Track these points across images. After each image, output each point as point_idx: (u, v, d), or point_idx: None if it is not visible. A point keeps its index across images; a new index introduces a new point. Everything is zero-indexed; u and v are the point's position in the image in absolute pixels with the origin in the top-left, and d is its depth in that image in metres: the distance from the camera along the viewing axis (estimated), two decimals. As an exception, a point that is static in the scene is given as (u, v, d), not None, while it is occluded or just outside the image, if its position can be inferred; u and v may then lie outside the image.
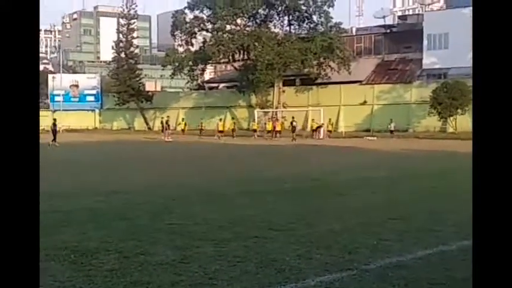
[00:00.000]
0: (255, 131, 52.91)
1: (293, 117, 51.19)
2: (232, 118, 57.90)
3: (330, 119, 52.72)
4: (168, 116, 55.17)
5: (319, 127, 51.51)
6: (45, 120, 73.32)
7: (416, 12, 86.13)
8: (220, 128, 52.49)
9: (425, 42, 60.16)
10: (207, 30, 62.03)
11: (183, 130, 57.24)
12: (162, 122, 53.56)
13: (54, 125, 41.05)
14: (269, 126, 52.33)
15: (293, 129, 48.70)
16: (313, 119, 53.42)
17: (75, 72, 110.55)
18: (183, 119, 63.46)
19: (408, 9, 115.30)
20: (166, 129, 49.12)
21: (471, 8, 4.08)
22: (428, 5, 78.74)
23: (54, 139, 37.38)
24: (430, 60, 59.03)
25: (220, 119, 55.38)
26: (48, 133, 36.94)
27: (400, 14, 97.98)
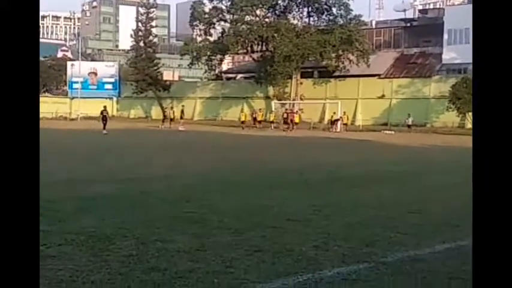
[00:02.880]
0: (272, 122, 52.93)
1: (301, 109, 51.36)
2: (260, 109, 57.79)
3: (344, 112, 52.48)
4: (183, 105, 55.39)
5: (336, 120, 51.37)
6: (63, 107, 74.70)
7: (438, 6, 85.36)
8: (243, 119, 52.91)
9: (445, 36, 59.63)
10: (225, 21, 61.99)
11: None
12: (164, 113, 53.85)
13: (105, 111, 38.99)
14: (295, 118, 52.30)
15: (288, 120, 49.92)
16: (334, 112, 53.29)
17: (93, 60, 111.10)
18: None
19: (429, 3, 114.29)
20: (181, 119, 49.51)
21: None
22: (450, -1, 78.00)
23: (104, 126, 36.32)
24: (450, 55, 58.51)
25: (242, 110, 55.63)
26: (66, 120, 36.95)
27: (420, 7, 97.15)
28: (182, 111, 51.71)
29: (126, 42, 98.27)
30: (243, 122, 52.19)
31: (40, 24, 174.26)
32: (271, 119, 54.05)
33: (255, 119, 55.21)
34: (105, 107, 41.11)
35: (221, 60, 66.27)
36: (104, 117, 37.60)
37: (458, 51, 56.61)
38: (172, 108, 53.99)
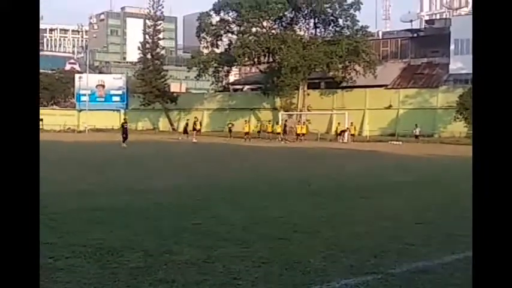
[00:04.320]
0: (279, 133, 53.00)
1: (308, 120, 51.51)
2: (269, 121, 57.77)
3: (351, 123, 52.48)
4: (196, 117, 55.42)
5: (343, 131, 51.37)
6: (71, 119, 75.00)
7: (444, 16, 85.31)
8: (246, 130, 52.85)
9: (452, 46, 59.62)
10: (232, 33, 62.21)
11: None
12: (187, 123, 53.78)
13: (126, 123, 37.62)
14: (298, 129, 52.23)
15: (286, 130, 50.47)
16: (339, 123, 53.25)
17: (101, 72, 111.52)
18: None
19: (436, 14, 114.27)
20: (194, 130, 49.51)
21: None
22: (456, 9, 78.14)
23: (124, 140, 34.78)
24: (457, 65, 58.45)
25: (246, 121, 55.58)
26: (74, 132, 36.63)
27: (427, 18, 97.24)
28: (195, 123, 51.72)
29: (133, 54, 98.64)
30: (247, 134, 52.06)
31: (48, 37, 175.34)
32: (278, 130, 54.12)
33: (259, 131, 55.44)
34: (125, 119, 40.11)
35: (228, 71, 66.46)
36: (125, 130, 36.12)
37: (465, 62, 56.45)
38: (197, 119, 54.22)
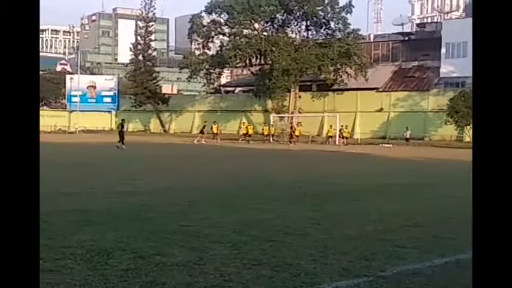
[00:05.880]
0: (272, 135, 53.02)
1: (299, 123, 51.59)
2: (273, 124, 57.62)
3: (346, 126, 52.62)
4: (205, 121, 54.61)
5: (333, 136, 51.44)
6: (61, 120, 74.76)
7: (435, 20, 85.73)
8: (244, 131, 53.19)
9: (443, 50, 59.93)
10: (224, 34, 62.28)
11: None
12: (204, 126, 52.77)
13: (122, 126, 36.84)
14: (296, 132, 52.02)
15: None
16: (330, 125, 53.34)
17: (92, 73, 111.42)
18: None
19: (427, 17, 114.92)
20: (202, 133, 49.22)
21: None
22: (447, 13, 78.64)
23: (122, 141, 34.20)
24: (448, 68, 58.77)
25: (244, 123, 55.50)
26: (65, 133, 36.46)
27: (418, 21, 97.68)
28: (204, 126, 51.24)
29: (125, 55, 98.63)
30: (244, 135, 52.32)
31: (39, 37, 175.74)
32: (271, 132, 54.11)
33: (245, 134, 53.86)
34: (123, 120, 39.82)
35: (220, 73, 66.50)
36: (121, 132, 35.56)
37: (456, 65, 56.85)
38: (215, 123, 53.87)
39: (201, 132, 49.84)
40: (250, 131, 53.37)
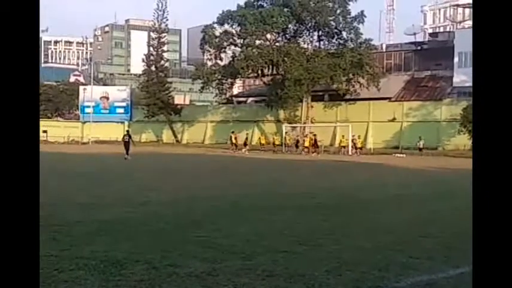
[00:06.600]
0: (285, 145, 53.13)
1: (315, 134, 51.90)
2: (286, 132, 58.00)
3: (359, 136, 52.68)
4: (232, 132, 55.23)
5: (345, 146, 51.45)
6: (75, 131, 75.18)
7: (448, 29, 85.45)
8: (263, 141, 55.64)
9: (456, 59, 59.70)
10: (236, 45, 62.40)
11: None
12: (231, 137, 53.95)
13: (128, 136, 36.02)
14: (307, 142, 52.13)
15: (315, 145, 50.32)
16: (343, 135, 53.30)
17: (105, 84, 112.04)
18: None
19: (439, 27, 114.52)
20: (233, 144, 51.01)
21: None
22: (460, 22, 78.24)
23: (127, 152, 33.67)
24: (460, 78, 58.49)
25: (262, 133, 56.47)
26: (78, 144, 36.57)
27: (431, 31, 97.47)
28: (246, 139, 53.05)
29: (137, 66, 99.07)
30: (263, 145, 53.49)
31: (53, 49, 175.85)
32: (283, 142, 54.36)
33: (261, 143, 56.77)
34: (128, 131, 39.76)
35: (232, 84, 66.62)
36: (127, 143, 34.95)
37: (469, 74, 56.41)
38: (247, 135, 55.77)
39: (245, 144, 51.98)
40: (263, 140, 54.01)
